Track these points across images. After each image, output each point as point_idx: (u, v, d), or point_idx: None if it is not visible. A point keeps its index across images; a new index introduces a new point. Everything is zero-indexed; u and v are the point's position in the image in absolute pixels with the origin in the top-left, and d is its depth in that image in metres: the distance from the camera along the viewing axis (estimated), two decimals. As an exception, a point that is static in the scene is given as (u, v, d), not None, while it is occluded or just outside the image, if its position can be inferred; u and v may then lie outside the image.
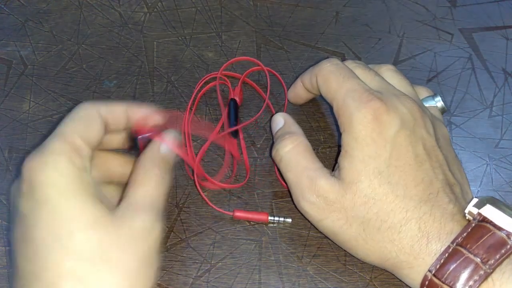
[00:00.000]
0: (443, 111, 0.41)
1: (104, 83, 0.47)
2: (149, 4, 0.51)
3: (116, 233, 0.30)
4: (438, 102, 0.41)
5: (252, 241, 0.40)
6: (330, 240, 0.39)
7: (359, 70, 0.39)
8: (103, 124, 0.34)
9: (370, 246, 0.34)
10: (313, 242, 0.39)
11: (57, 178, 0.30)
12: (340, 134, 0.37)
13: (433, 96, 0.41)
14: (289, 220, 0.40)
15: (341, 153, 0.36)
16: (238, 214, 0.40)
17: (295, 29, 0.50)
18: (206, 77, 0.47)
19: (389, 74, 0.40)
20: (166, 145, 0.36)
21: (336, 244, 0.37)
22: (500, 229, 0.31)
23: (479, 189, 0.43)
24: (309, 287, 0.38)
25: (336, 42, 0.49)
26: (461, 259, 0.31)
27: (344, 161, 0.35)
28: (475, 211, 0.32)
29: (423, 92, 0.41)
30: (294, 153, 0.37)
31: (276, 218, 0.40)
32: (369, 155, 0.34)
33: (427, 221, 0.33)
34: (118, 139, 0.37)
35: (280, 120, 0.41)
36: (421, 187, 0.34)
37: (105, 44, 0.49)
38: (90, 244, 0.30)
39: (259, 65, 0.47)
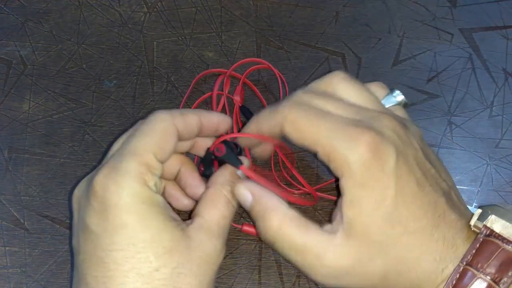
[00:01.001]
0: (405, 105, 0.38)
1: (104, 83, 0.47)
2: (149, 4, 0.51)
3: (189, 257, 0.31)
4: (398, 96, 0.37)
5: (252, 241, 0.40)
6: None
7: (317, 101, 0.34)
8: (177, 136, 0.33)
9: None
10: (313, 242, 0.39)
11: (133, 202, 0.30)
12: (329, 170, 0.33)
13: (391, 91, 0.38)
14: None
15: (343, 201, 0.32)
16: (247, 228, 0.40)
17: (295, 29, 0.50)
18: (204, 73, 0.47)
19: (343, 86, 0.36)
20: (243, 171, 0.35)
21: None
22: (508, 242, 0.30)
23: (479, 189, 0.42)
24: (309, 287, 0.38)
25: (336, 42, 0.49)
26: (473, 280, 0.30)
27: (350, 212, 0.31)
28: (480, 224, 0.31)
29: (379, 90, 0.37)
30: (283, 232, 0.33)
31: None
32: (376, 200, 0.31)
33: (441, 248, 0.31)
34: (184, 146, 0.37)
35: (247, 196, 0.34)
36: (430, 213, 0.32)
37: (105, 44, 0.49)
38: (166, 270, 0.30)
39: (270, 67, 0.47)
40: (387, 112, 0.35)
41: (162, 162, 0.32)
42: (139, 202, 0.30)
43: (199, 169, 0.37)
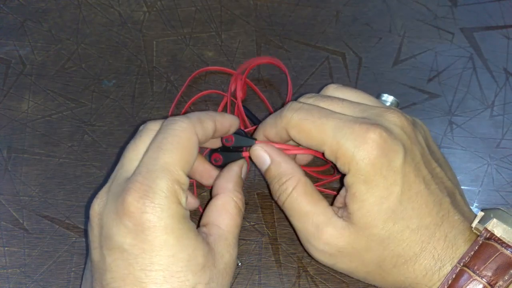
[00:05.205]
0: (397, 105, 0.39)
1: (103, 83, 0.46)
2: (149, 3, 0.51)
3: (216, 270, 0.31)
4: (389, 98, 0.39)
5: (252, 241, 0.40)
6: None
7: (322, 103, 0.35)
8: (198, 145, 0.33)
9: (385, 279, 0.34)
10: (313, 243, 0.39)
11: (171, 223, 0.30)
12: (335, 168, 0.35)
13: (379, 96, 0.39)
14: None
15: (347, 194, 0.33)
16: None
17: (295, 28, 0.50)
18: (201, 70, 0.47)
19: (341, 92, 0.36)
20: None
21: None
22: (508, 246, 0.30)
23: (480, 189, 0.42)
24: (309, 288, 0.38)
25: (337, 42, 0.49)
26: (469, 281, 0.30)
27: (354, 205, 0.32)
28: (481, 227, 0.31)
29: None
30: (294, 198, 0.34)
31: None
32: (380, 196, 0.32)
33: (441, 247, 0.32)
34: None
35: (266, 158, 0.36)
36: (434, 212, 0.32)
37: (104, 43, 0.49)
38: (201, 287, 0.30)
39: (281, 67, 0.46)
40: (393, 109, 0.35)
41: (187, 175, 0.32)
42: (176, 222, 0.30)
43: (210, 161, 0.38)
